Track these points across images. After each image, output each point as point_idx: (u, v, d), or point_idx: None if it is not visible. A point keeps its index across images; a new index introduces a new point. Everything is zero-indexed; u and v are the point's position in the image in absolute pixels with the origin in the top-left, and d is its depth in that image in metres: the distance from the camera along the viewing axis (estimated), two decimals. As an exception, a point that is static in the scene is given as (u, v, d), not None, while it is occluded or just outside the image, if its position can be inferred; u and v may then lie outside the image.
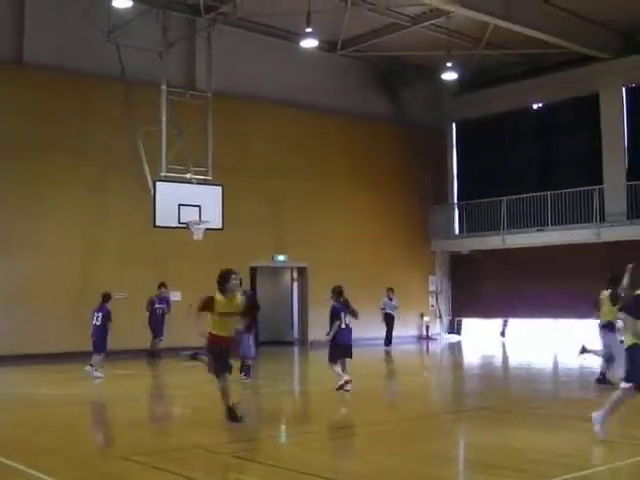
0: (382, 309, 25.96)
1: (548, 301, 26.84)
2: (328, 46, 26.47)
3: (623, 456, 8.13)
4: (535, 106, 30.28)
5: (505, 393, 14.95)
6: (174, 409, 13.51)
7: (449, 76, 27.13)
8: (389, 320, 26.17)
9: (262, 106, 26.25)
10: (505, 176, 30.05)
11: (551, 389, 16.09)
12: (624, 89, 27.64)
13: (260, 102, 26.24)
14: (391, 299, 26.14)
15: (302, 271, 27.51)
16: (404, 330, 29.04)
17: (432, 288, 31.14)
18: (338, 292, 14.39)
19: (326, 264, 26.25)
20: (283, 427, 11.28)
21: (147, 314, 21.73)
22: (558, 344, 25.48)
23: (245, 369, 16.04)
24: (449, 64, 26.15)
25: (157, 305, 21.74)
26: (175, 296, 22.92)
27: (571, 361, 20.86)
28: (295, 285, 28.10)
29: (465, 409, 12.67)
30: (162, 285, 21.89)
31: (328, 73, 28.18)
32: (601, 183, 27.26)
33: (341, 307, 14.30)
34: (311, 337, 26.36)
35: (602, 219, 26.70)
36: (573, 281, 25.81)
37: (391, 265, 28.98)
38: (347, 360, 14.32)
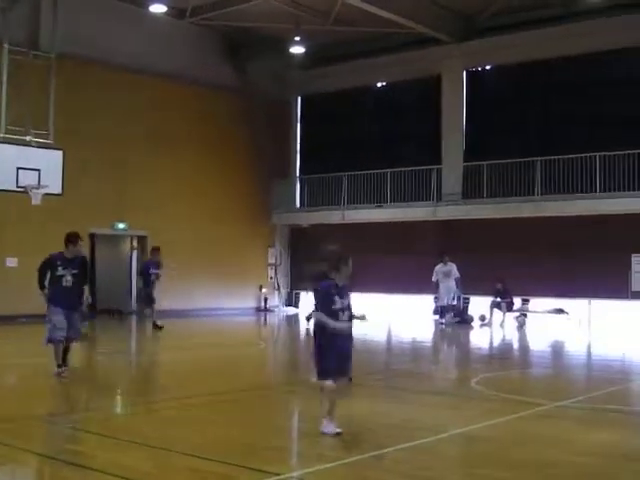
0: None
1: (387, 276, 27.37)
2: (177, 13, 25.92)
3: (455, 427, 8.31)
4: (380, 84, 30.70)
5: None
6: (8, 378, 12.91)
7: (297, 50, 27.13)
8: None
9: (106, 71, 25.25)
10: (348, 152, 30.34)
11: (386, 360, 16.38)
12: (464, 72, 28.41)
13: (104, 66, 25.20)
14: None
15: (142, 240, 26.86)
16: (243, 302, 29.11)
17: (271, 261, 31.17)
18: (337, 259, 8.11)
19: (167, 234, 25.77)
20: (120, 398, 10.98)
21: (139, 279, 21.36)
22: (397, 318, 26.09)
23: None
24: (297, 38, 26.11)
25: (152, 270, 20.78)
26: (12, 262, 22.02)
27: (407, 334, 21.42)
28: (134, 254, 27.44)
29: (302, 380, 12.69)
30: (156, 249, 21.12)
31: (176, 41, 27.47)
32: (440, 163, 28.00)
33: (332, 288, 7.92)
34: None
35: (439, 198, 27.46)
36: (412, 257, 26.42)
37: (232, 236, 28.83)
38: None
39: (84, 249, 12.91)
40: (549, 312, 25.22)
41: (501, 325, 24.55)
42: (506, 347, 20.38)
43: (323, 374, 7.71)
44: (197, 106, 27.98)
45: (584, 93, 25.72)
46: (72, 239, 11.76)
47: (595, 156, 24.27)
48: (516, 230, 25.64)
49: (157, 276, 20.68)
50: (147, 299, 20.76)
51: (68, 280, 11.63)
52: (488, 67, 28.32)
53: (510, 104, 27.33)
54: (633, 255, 23.92)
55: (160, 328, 20.26)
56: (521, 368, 15.35)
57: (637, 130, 24.37)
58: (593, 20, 24.50)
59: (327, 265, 8.08)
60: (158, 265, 20.75)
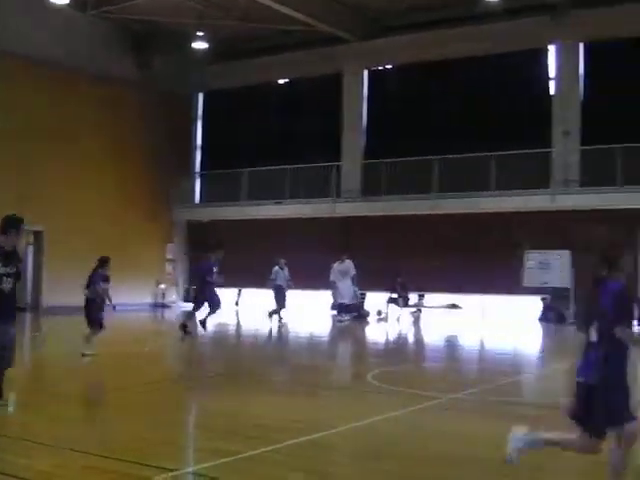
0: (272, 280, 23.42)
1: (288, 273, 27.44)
2: (79, 5, 25.45)
3: (350, 421, 8.43)
4: (282, 81, 30.78)
5: (237, 360, 15.10)
6: None
7: (200, 45, 26.97)
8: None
9: (6, 63, 24.58)
10: (249, 148, 30.33)
11: (280, 356, 16.44)
12: (366, 72, 28.75)
13: (3, 59, 24.55)
14: (282, 269, 23.56)
15: (38, 235, 26.24)
16: (139, 297, 28.78)
17: (170, 256, 30.93)
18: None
19: (65, 230, 25.30)
20: (16, 396, 10.74)
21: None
22: (296, 314, 26.20)
23: None
24: (200, 33, 25.96)
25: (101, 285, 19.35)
26: None
27: (305, 330, 21.54)
28: (30, 249, 26.79)
29: (199, 376, 12.67)
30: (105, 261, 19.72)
31: (78, 34, 26.98)
32: (339, 160, 28.27)
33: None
34: (45, 303, 25.43)
35: (339, 195, 27.73)
36: (311, 254, 26.57)
37: (130, 232, 28.49)
38: None
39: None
40: (443, 307, 25.75)
41: (397, 320, 24.96)
42: (402, 342, 20.72)
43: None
44: (98, 100, 27.53)
45: (482, 93, 26.38)
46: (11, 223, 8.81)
47: (491, 155, 24.90)
48: (413, 227, 26.10)
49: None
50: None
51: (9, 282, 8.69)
52: (389, 66, 28.72)
53: (410, 103, 27.79)
54: (526, 252, 24.60)
55: None
56: (416, 362, 15.64)
57: (532, 129, 25.15)
58: (493, 23, 25.14)
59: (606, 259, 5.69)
60: (107, 279, 15.36)
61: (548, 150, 25.04)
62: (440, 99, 27.31)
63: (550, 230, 24.42)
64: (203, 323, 17.69)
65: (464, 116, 26.54)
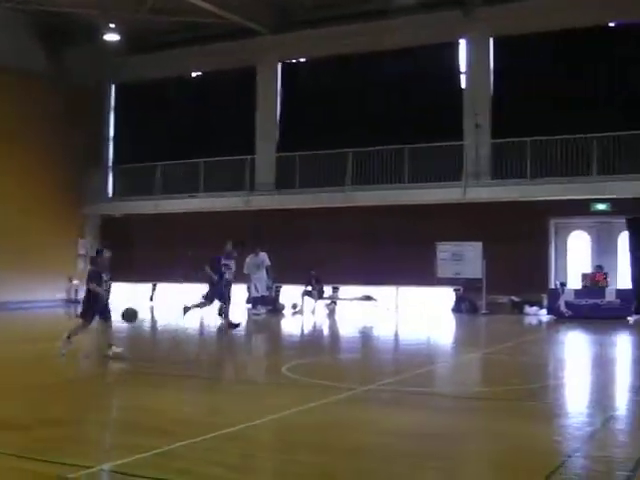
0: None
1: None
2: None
3: (266, 414, 8.44)
4: (195, 74, 30.54)
5: (151, 355, 14.96)
6: None
7: (112, 37, 26.58)
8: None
9: None
10: (163, 141, 30.02)
11: (196, 351, 16.35)
12: (279, 64, 28.73)
13: None
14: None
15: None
16: (52, 294, 28.28)
17: (82, 252, 30.40)
18: None
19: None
20: None
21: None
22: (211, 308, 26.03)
23: None
24: (112, 25, 25.57)
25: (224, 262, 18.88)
26: None
27: (216, 323, 21.44)
28: None
29: (114, 372, 12.52)
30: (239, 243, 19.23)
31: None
32: (253, 153, 28.21)
33: None
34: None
35: (253, 188, 27.68)
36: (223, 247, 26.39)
37: (40, 227, 27.92)
38: None
39: None
40: (358, 299, 25.95)
41: (312, 312, 25.06)
42: (317, 334, 20.83)
43: None
44: (8, 92, 26.89)
45: (395, 87, 26.66)
46: None
47: (404, 148, 25.20)
48: (328, 220, 26.23)
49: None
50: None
51: None
52: (303, 60, 28.75)
53: (324, 96, 27.88)
54: (438, 243, 24.96)
55: None
56: (331, 354, 15.74)
57: (444, 122, 25.56)
58: (405, 17, 25.43)
59: None
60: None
61: (460, 143, 25.44)
62: (354, 92, 27.48)
63: (462, 222, 24.84)
64: (187, 309, 18.92)
65: (378, 109, 26.80)
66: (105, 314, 13.38)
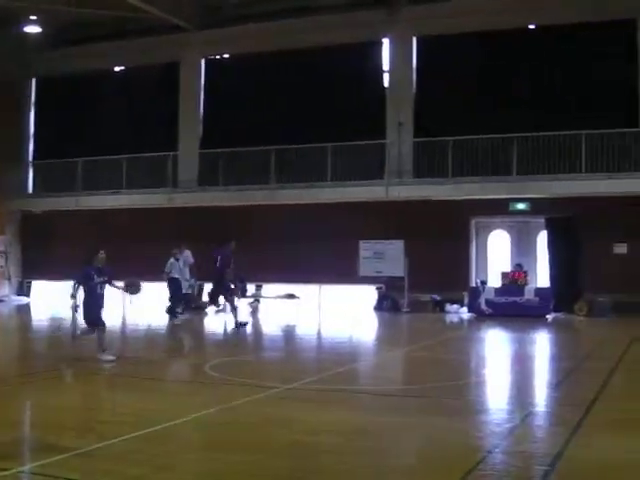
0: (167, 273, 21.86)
1: (128, 264, 26.88)
2: None
3: (190, 413, 8.38)
4: (119, 69, 30.11)
5: (71, 355, 14.70)
6: None
7: (33, 29, 26.04)
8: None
9: None
10: (85, 137, 29.53)
11: (118, 347, 16.13)
12: (203, 61, 28.56)
13: None
14: (178, 260, 22.09)
15: None
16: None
17: (1, 248, 29.75)
18: None
19: None
20: None
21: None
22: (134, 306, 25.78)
23: None
24: (33, 17, 25.05)
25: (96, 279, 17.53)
26: None
27: (142, 321, 21.22)
28: None
29: (33, 372, 12.27)
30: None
31: None
32: (176, 150, 27.98)
33: None
34: None
35: (176, 185, 27.46)
36: (151, 243, 26.13)
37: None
38: None
39: None
40: (281, 297, 25.95)
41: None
42: (240, 332, 20.74)
43: None
44: None
45: (319, 84, 26.74)
46: None
47: (327, 146, 25.30)
48: (251, 217, 26.18)
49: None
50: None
51: None
52: (227, 56, 28.61)
53: (248, 93, 27.78)
54: (360, 241, 25.11)
55: None
56: (255, 352, 15.72)
57: (367, 121, 25.75)
58: (330, 15, 25.54)
59: None
60: (101, 272, 13.39)
61: (382, 141, 25.64)
62: (278, 89, 27.45)
63: (385, 220, 25.05)
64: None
65: (302, 107, 26.82)
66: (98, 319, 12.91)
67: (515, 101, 24.96)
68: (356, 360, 14.30)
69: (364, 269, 25.18)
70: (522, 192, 24.13)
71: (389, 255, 25.11)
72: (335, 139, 25.30)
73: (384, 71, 26.85)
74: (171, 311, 21.19)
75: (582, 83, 24.42)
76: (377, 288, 25.68)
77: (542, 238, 25.11)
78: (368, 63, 26.92)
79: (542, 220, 24.72)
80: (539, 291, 23.29)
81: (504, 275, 23.61)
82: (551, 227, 24.53)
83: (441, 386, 10.61)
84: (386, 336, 20.43)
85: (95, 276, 12.86)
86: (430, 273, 24.20)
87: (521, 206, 24.92)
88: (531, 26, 25.15)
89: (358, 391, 10.62)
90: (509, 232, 26.05)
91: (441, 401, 9.59)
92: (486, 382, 11.67)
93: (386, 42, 26.73)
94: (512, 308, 22.48)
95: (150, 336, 19.35)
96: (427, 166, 24.93)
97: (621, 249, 23.61)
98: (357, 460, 6.66)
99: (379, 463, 6.62)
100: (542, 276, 25.02)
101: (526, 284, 23.38)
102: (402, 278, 24.65)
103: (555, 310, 23.17)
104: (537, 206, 24.50)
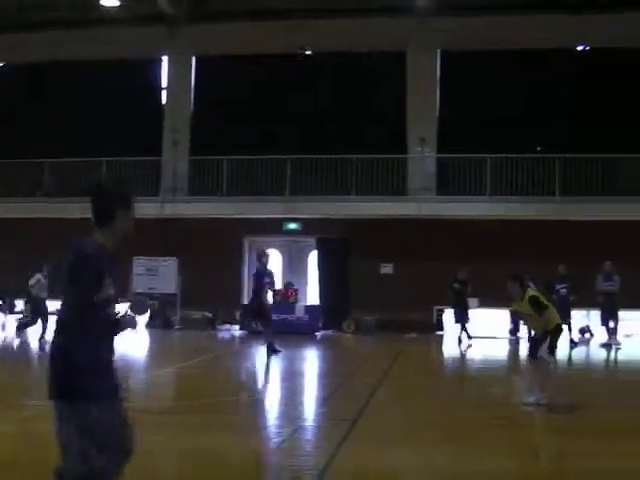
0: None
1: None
2: None
3: None
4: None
5: None
6: None
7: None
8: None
9: None
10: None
11: None
12: None
13: None
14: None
15: None
16: None
17: None
18: None
19: None
20: None
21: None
22: None
23: None
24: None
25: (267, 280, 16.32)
26: None
27: None
28: None
29: None
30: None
31: None
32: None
33: None
34: None
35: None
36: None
37: None
38: None
39: None
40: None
41: (2, 328, 23.88)
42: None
43: None
44: None
45: (98, 100, 25.83)
46: None
47: (102, 160, 24.79)
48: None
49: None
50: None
51: None
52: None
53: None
54: (134, 258, 24.80)
55: None
56: (25, 369, 15.09)
57: (144, 137, 25.52)
58: (112, 28, 25.16)
59: None
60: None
61: (158, 158, 25.53)
62: (55, 101, 26.36)
63: (160, 237, 24.85)
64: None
65: (79, 121, 25.95)
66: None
67: (289, 122, 25.67)
68: (127, 378, 14.09)
69: (137, 285, 24.87)
70: (295, 212, 24.77)
71: (162, 272, 24.96)
72: (111, 154, 24.81)
73: (162, 88, 26.76)
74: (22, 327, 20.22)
75: (358, 109, 25.51)
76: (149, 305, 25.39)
77: (313, 257, 25.84)
78: (147, 79, 26.76)
79: (313, 240, 25.43)
80: (309, 309, 23.94)
81: (276, 292, 24.02)
82: (321, 247, 25.30)
83: (212, 402, 10.69)
84: (158, 353, 20.26)
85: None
86: (203, 291, 24.23)
87: (293, 226, 25.55)
88: (308, 52, 26.01)
89: (129, 409, 10.46)
90: (281, 251, 26.61)
91: (213, 417, 9.68)
92: (256, 398, 11.85)
93: (165, 60, 26.68)
94: (283, 325, 22.88)
95: None
96: (203, 184, 25.06)
97: (387, 269, 24.72)
98: None
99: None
100: (312, 294, 25.74)
101: (297, 302, 23.96)
102: (175, 295, 24.57)
103: (324, 327, 23.88)
104: (309, 226, 25.19)
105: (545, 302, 10.63)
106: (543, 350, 10.44)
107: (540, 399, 10.31)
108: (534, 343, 10.85)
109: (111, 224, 4.57)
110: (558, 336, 10.73)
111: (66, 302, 4.50)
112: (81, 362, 4.37)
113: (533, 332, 11.27)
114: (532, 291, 10.93)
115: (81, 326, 4.39)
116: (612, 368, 18.00)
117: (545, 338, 10.47)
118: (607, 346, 20.06)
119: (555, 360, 11.19)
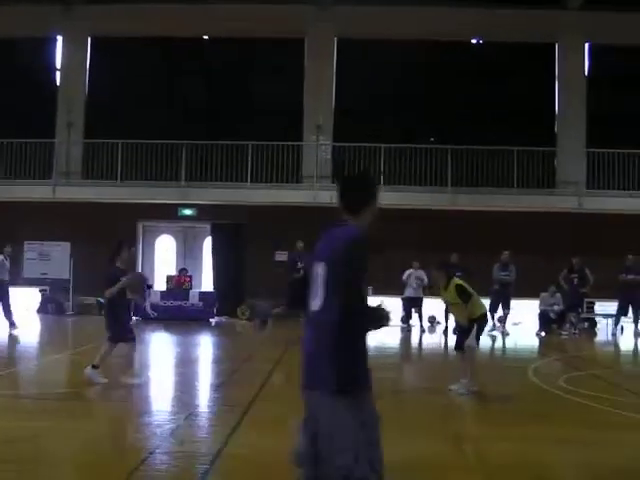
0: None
1: None
2: None
3: None
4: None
5: None
6: None
7: None
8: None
9: None
10: None
11: None
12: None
13: None
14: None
15: None
16: None
17: None
18: None
19: None
20: None
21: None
22: None
23: None
24: None
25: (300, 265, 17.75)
26: None
27: None
28: None
29: None
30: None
31: None
32: None
33: None
34: None
35: None
36: None
37: None
38: None
39: None
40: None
41: None
42: None
43: None
44: None
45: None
46: None
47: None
48: None
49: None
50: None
51: None
52: None
53: None
54: (25, 242, 24.30)
55: None
56: None
57: (36, 119, 25.04)
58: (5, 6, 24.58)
59: None
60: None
61: (52, 141, 25.03)
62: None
63: (52, 221, 24.35)
64: None
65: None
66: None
67: (185, 107, 25.57)
68: (17, 364, 13.89)
69: (28, 271, 24.38)
70: (190, 198, 24.65)
71: (55, 257, 24.54)
72: (0, 135, 24.24)
73: (57, 69, 26.22)
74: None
75: (255, 96, 25.60)
76: (41, 290, 24.89)
77: (208, 243, 25.77)
78: (41, 59, 26.16)
79: (208, 226, 25.37)
80: (203, 295, 23.87)
81: (169, 279, 23.92)
82: (216, 233, 25.25)
83: (102, 389, 10.65)
84: (50, 339, 19.95)
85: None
86: (96, 276, 23.80)
87: (188, 212, 25.41)
88: (205, 37, 25.91)
89: (19, 396, 10.38)
90: (176, 237, 26.44)
91: (103, 404, 9.65)
92: (150, 384, 11.83)
93: (60, 39, 26.15)
94: (177, 312, 22.84)
95: None
96: (97, 168, 24.70)
97: (282, 257, 24.82)
98: (14, 467, 6.55)
99: (36, 470, 6.57)
100: (207, 281, 25.69)
101: (191, 288, 23.88)
102: (67, 280, 24.17)
103: (218, 314, 23.88)
104: (204, 212, 25.11)
105: (470, 291, 10.91)
106: (471, 339, 10.74)
107: (471, 386, 10.69)
108: (461, 334, 11.08)
109: (366, 211, 4.89)
110: (484, 324, 11.11)
111: (336, 290, 4.51)
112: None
113: (455, 322, 11.52)
114: (458, 280, 11.16)
115: (353, 316, 4.45)
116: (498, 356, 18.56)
117: (471, 327, 10.77)
118: (494, 334, 20.66)
119: (478, 347, 11.49)
